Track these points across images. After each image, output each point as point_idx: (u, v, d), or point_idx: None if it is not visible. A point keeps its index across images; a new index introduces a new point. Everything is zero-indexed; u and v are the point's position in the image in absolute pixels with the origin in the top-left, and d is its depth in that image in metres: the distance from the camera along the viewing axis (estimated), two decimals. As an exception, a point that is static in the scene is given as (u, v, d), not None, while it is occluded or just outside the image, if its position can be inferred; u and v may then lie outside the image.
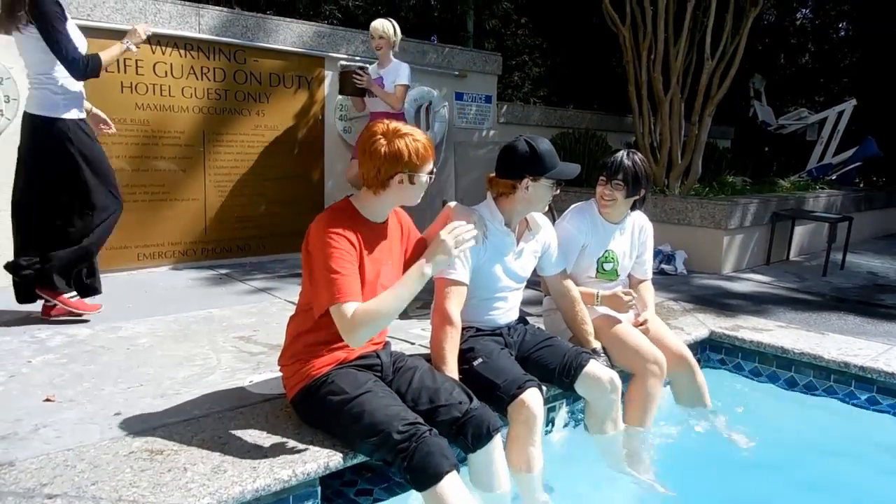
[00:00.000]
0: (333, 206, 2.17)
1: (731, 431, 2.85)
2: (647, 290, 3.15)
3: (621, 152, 2.93)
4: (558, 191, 2.57)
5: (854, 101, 9.51)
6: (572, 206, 3.09)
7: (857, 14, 12.34)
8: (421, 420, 1.95)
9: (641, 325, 2.93)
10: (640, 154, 2.95)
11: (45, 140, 3.19)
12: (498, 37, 9.37)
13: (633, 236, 3.08)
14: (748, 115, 10.53)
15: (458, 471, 1.91)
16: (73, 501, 1.71)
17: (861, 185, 9.75)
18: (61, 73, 3.17)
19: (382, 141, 2.05)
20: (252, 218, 5.17)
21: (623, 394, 2.71)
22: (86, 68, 3.17)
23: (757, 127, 10.40)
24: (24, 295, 3.34)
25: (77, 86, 3.27)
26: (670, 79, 6.28)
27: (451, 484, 1.86)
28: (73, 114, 3.25)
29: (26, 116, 3.23)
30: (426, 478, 1.85)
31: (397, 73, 4.88)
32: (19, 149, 3.29)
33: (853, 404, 3.19)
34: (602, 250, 2.98)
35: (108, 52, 3.29)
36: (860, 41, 12.63)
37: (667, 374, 2.85)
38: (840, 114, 9.52)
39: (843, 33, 13.64)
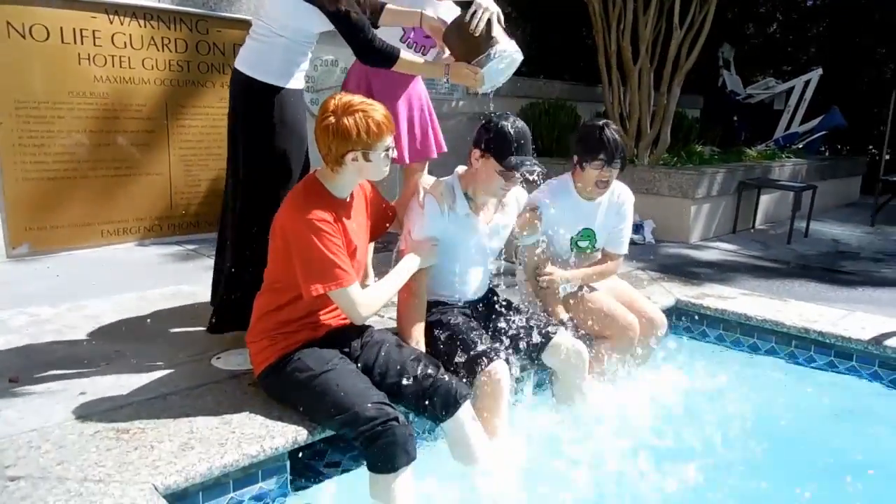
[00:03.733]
0: (304, 187, 2.13)
1: (693, 391, 2.91)
2: (607, 263, 3.01)
3: (608, 131, 2.73)
4: (516, 185, 2.43)
5: (820, 71, 9.61)
6: (547, 182, 2.88)
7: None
8: (387, 400, 1.97)
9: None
10: (615, 125, 2.81)
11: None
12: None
13: (611, 208, 2.96)
14: (717, 84, 10.57)
15: (413, 460, 1.95)
16: (38, 483, 1.70)
17: (826, 154, 9.91)
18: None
19: (332, 119, 2.01)
20: (220, 192, 5.05)
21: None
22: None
23: (726, 96, 10.46)
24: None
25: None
26: (639, 49, 6.27)
27: (403, 480, 1.92)
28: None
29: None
30: (382, 466, 1.91)
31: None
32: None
33: (813, 367, 3.29)
34: (578, 229, 2.93)
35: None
36: (827, 11, 12.71)
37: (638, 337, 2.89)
38: (807, 83, 9.61)
39: (810, 3, 13.70)
